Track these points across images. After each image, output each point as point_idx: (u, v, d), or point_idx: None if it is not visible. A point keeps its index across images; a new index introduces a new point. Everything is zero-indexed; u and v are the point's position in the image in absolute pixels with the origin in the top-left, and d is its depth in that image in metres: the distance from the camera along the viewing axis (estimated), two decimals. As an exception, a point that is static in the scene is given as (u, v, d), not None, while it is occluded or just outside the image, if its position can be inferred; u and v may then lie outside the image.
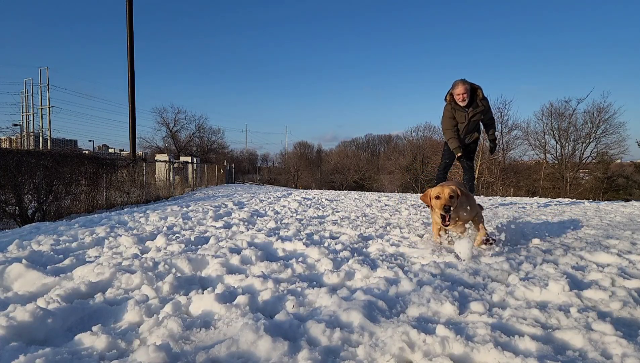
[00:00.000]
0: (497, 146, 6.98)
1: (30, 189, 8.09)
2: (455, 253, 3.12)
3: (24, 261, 2.77)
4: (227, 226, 4.93)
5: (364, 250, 3.52)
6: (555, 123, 27.87)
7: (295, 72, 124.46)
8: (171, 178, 17.47)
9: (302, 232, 4.31)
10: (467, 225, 3.66)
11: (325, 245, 3.58)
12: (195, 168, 22.69)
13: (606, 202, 9.31)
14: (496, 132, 6.23)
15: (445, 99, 5.84)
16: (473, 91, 5.64)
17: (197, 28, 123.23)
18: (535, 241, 3.67)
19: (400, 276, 2.54)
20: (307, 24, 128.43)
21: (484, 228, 3.55)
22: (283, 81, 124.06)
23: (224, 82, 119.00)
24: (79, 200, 9.60)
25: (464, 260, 2.96)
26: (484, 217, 4.02)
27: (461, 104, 5.63)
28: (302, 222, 5.19)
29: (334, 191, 16.93)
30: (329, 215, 6.10)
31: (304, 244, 3.54)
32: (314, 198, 10.09)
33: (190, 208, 7.07)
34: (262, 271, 2.75)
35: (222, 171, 32.78)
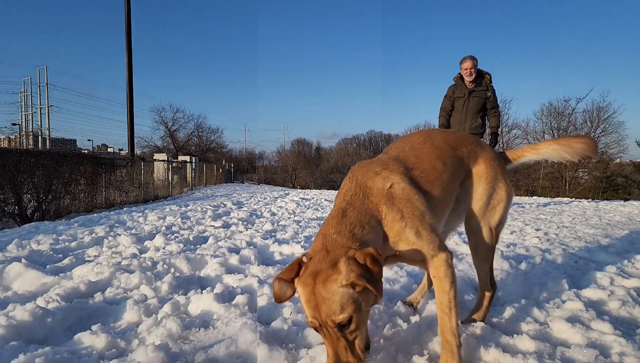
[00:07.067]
0: (497, 144, 6.95)
1: (29, 188, 8.08)
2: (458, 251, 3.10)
3: (23, 260, 2.77)
4: (226, 225, 4.93)
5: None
6: (554, 122, 27.84)
7: (292, 67, 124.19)
8: (170, 178, 17.46)
9: (300, 235, 4.26)
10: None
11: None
12: (193, 167, 22.67)
13: (605, 201, 9.34)
14: (499, 129, 6.29)
15: (454, 79, 6.01)
16: (481, 75, 5.81)
17: (195, 28, 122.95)
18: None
19: (400, 275, 2.54)
20: (306, 22, 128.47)
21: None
22: (280, 76, 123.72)
23: (222, 79, 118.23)
24: (78, 200, 9.60)
25: None
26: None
27: (467, 78, 5.75)
28: (300, 224, 5.14)
29: (333, 191, 16.88)
30: (328, 215, 6.08)
31: (302, 247, 3.50)
32: (313, 198, 10.03)
33: (188, 208, 7.07)
34: (258, 277, 2.62)
35: (220, 170, 32.75)
